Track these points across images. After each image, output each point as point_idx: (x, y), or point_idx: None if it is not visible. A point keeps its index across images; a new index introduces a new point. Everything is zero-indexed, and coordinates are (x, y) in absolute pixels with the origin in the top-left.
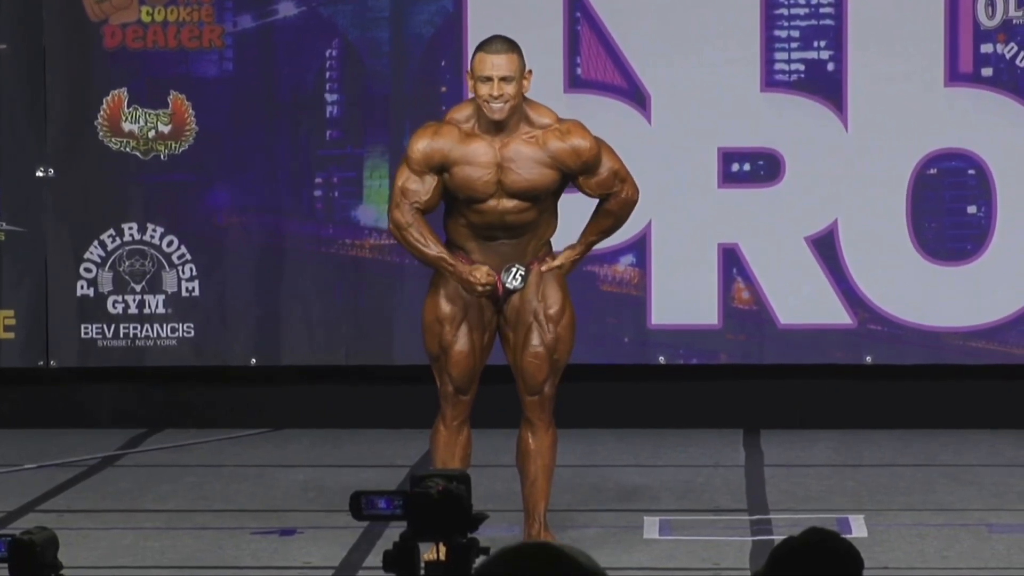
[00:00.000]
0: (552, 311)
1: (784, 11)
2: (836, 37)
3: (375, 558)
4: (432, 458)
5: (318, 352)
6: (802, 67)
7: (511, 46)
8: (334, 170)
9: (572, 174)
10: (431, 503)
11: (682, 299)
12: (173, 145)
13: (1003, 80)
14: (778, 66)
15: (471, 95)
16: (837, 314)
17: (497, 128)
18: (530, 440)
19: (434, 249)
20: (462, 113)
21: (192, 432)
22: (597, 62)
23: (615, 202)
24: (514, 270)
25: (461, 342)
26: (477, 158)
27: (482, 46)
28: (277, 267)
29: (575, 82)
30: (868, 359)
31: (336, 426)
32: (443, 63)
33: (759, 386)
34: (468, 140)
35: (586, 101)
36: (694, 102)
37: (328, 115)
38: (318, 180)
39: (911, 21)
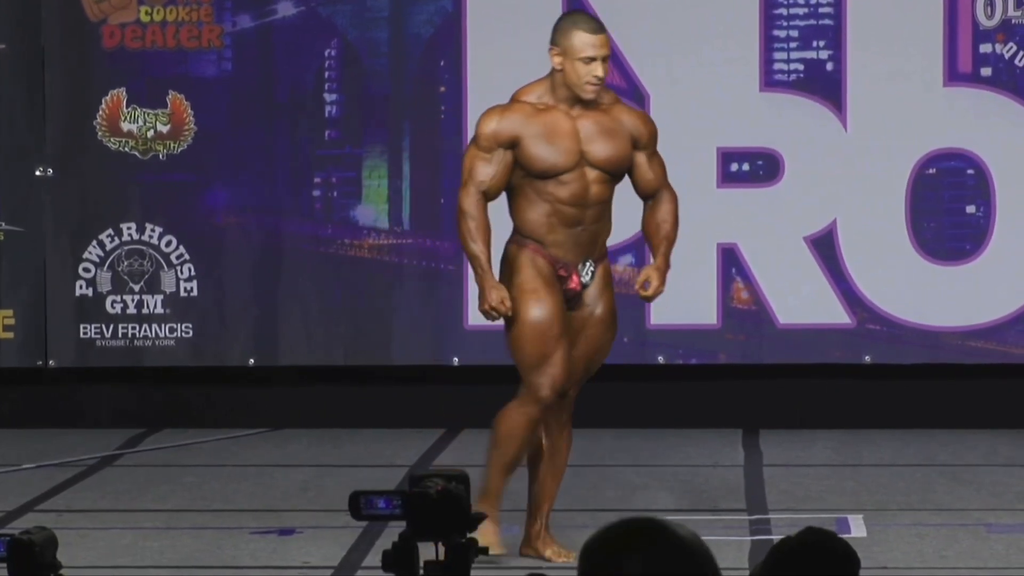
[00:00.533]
0: (606, 319)
1: (783, 11)
2: (835, 37)
3: (374, 558)
4: (498, 438)
5: (317, 352)
6: (801, 67)
7: (602, 24)
8: (333, 170)
9: (639, 148)
10: (430, 503)
11: (681, 299)
12: (172, 145)
13: (1002, 80)
14: (777, 66)
15: (558, 70)
16: (836, 314)
17: (573, 101)
18: (543, 439)
19: (477, 247)
20: (532, 93)
21: (191, 432)
22: None
23: (670, 204)
24: (588, 264)
25: (563, 346)
26: (556, 128)
27: (579, 24)
28: (276, 267)
29: None
30: (867, 359)
31: (335, 426)
32: (442, 63)
33: (758, 386)
34: (542, 114)
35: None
36: (693, 102)
37: (327, 115)
38: (317, 180)
39: (910, 21)
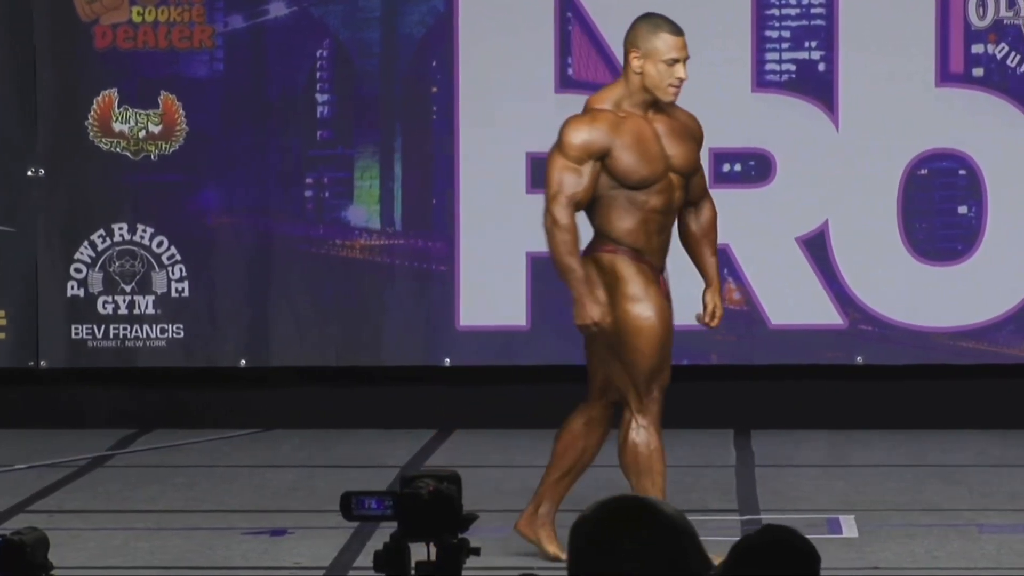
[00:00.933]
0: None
1: (775, 11)
2: (827, 37)
3: (366, 558)
4: (641, 469)
5: (308, 353)
6: (793, 67)
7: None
8: (324, 170)
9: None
10: (421, 503)
11: (673, 299)
12: (163, 145)
13: (994, 80)
14: (769, 66)
15: (633, 75)
16: (828, 314)
17: (647, 106)
18: (584, 437)
19: (574, 260)
20: (607, 100)
21: (182, 433)
22: (588, 62)
23: (712, 212)
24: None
25: (671, 343)
26: (643, 137)
27: (661, 27)
28: (267, 268)
29: (566, 82)
30: (859, 359)
31: (326, 427)
32: (434, 63)
33: (750, 386)
34: (625, 122)
35: (577, 101)
36: (685, 102)
37: (319, 115)
38: (308, 180)
39: (902, 21)
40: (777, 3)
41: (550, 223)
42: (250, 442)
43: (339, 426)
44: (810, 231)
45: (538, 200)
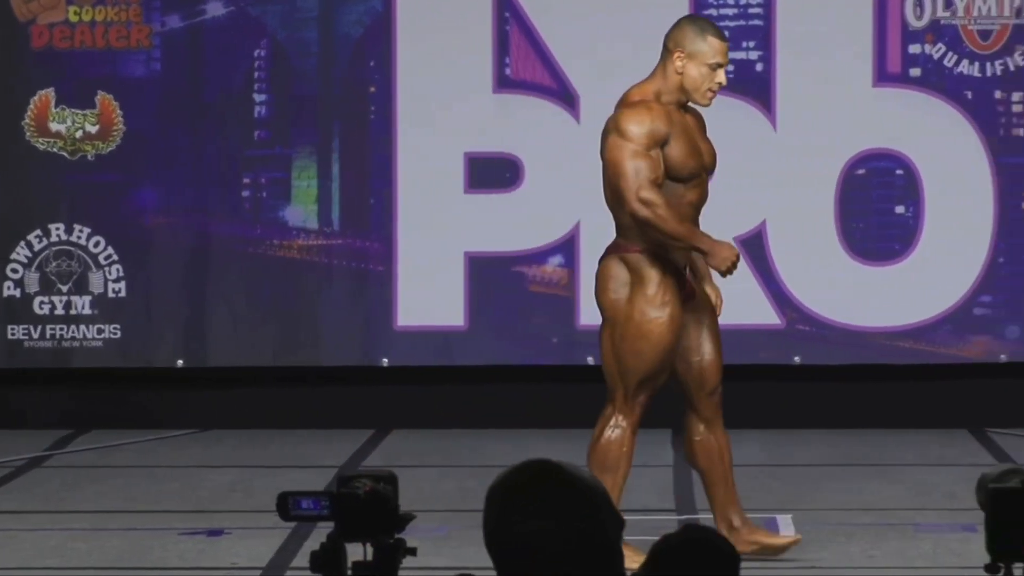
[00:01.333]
0: (714, 316)
1: (713, 11)
2: (765, 38)
3: (303, 559)
4: (607, 465)
5: (245, 353)
6: (731, 68)
7: None
8: (262, 170)
9: None
10: (358, 503)
11: None
12: (100, 145)
13: (931, 80)
14: None
15: (668, 73)
16: (766, 314)
17: (677, 105)
18: (712, 439)
19: (683, 227)
20: (647, 94)
21: (119, 433)
22: (526, 62)
23: None
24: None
25: (674, 354)
26: (688, 130)
27: (708, 30)
28: (204, 268)
29: (504, 82)
30: (796, 359)
31: (264, 427)
32: (372, 63)
33: None
34: (673, 115)
35: (515, 101)
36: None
37: (256, 115)
38: (246, 180)
39: (839, 21)
40: (715, 3)
41: (644, 209)
42: (188, 442)
43: (276, 426)
44: (747, 231)
45: (476, 200)
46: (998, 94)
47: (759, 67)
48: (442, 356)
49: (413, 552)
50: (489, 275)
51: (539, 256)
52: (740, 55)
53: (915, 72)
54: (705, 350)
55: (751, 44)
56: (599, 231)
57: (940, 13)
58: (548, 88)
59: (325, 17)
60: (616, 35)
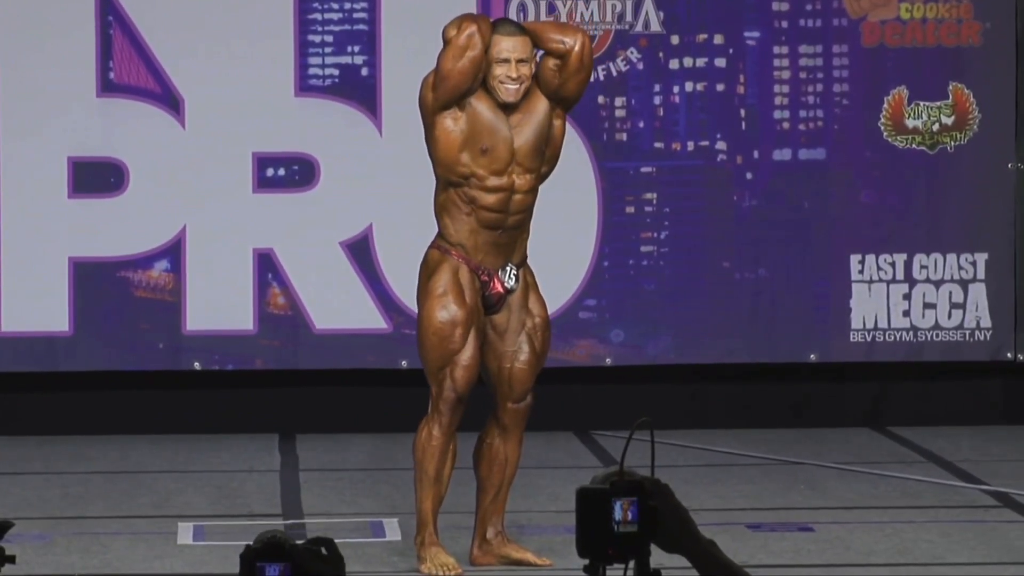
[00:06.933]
0: (540, 320)
1: (318, 16)
2: (370, 43)
3: None
4: (421, 466)
5: None
6: (336, 72)
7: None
8: None
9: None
10: None
11: (217, 304)
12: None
13: None
14: (312, 71)
15: None
16: (373, 319)
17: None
18: (501, 448)
19: None
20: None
21: None
22: (130, 66)
23: None
24: (510, 268)
25: (469, 347)
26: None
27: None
28: None
29: (108, 87)
30: (404, 363)
31: None
32: None
33: (295, 392)
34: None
35: (119, 106)
36: (228, 107)
37: None
38: None
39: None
40: (320, 7)
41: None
42: None
43: None
44: (354, 235)
45: (81, 205)
46: (601, 99)
47: (364, 72)
48: (46, 362)
49: (12, 560)
50: (95, 281)
51: (144, 261)
52: (346, 60)
53: None
54: (521, 359)
55: (356, 49)
56: (205, 235)
57: (544, 17)
58: (152, 92)
59: None
60: (221, 38)
